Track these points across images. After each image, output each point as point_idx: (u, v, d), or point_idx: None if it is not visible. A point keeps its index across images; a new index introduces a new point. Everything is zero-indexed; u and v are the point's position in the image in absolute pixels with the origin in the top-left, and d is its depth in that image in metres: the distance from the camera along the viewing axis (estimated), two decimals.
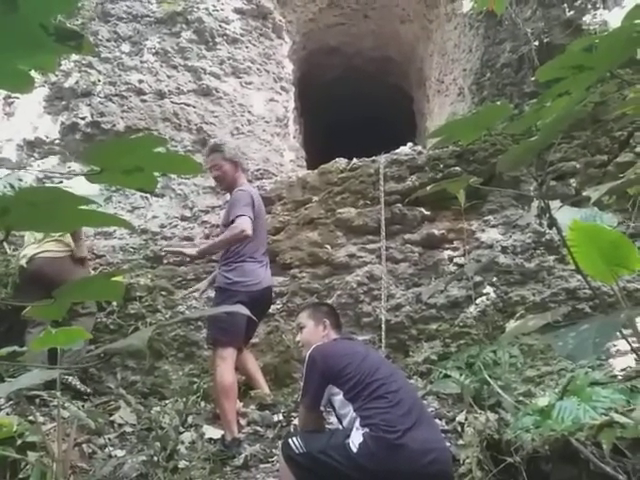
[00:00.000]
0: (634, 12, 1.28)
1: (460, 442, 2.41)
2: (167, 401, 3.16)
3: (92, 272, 3.63)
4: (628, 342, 1.53)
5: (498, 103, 1.19)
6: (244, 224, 2.93)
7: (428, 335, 3.35)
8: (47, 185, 3.24)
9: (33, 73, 0.88)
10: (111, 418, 2.94)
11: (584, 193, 3.04)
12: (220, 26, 5.07)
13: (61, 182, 3.69)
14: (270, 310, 3.60)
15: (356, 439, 1.91)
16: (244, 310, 0.93)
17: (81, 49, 1.14)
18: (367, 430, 1.91)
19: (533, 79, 3.83)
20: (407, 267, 3.55)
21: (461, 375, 2.69)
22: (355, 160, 3.96)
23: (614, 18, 3.79)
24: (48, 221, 0.83)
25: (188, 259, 3.09)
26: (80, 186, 0.84)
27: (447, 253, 3.51)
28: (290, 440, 2.04)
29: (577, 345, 1.02)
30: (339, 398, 2.09)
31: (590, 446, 2.17)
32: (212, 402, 3.13)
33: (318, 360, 2.18)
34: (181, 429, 2.64)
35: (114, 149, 0.83)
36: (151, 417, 2.52)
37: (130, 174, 0.84)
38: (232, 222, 2.97)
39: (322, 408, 2.18)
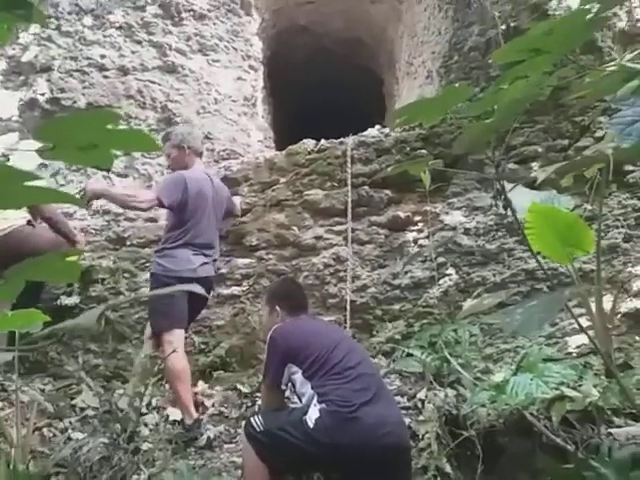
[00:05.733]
0: None
1: (420, 418, 2.49)
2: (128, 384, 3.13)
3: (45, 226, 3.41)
4: (577, 321, 1.60)
5: (456, 85, 1.21)
6: (145, 196, 3.04)
7: (392, 315, 3.40)
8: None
9: None
10: (73, 402, 2.90)
11: (532, 174, 3.12)
12: (187, 1, 4.92)
13: (8, 160, 3.51)
14: (236, 292, 3.59)
15: (313, 415, 1.96)
16: (198, 289, 0.93)
17: (31, 19, 1.08)
18: (324, 406, 1.97)
19: (491, 61, 3.86)
20: (373, 249, 3.58)
21: (423, 354, 2.75)
22: (323, 141, 3.94)
23: (577, 3, 3.85)
24: None
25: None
26: (21, 163, 0.81)
27: (412, 235, 3.55)
28: (252, 419, 2.09)
29: (523, 321, 1.06)
30: (298, 377, 2.13)
31: (543, 419, 2.28)
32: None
33: (278, 340, 2.23)
34: (144, 411, 2.63)
35: (67, 125, 0.79)
36: (111, 400, 2.50)
37: (84, 151, 0.81)
38: None
39: (283, 387, 2.21)
